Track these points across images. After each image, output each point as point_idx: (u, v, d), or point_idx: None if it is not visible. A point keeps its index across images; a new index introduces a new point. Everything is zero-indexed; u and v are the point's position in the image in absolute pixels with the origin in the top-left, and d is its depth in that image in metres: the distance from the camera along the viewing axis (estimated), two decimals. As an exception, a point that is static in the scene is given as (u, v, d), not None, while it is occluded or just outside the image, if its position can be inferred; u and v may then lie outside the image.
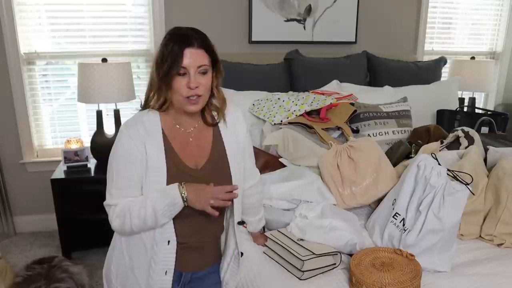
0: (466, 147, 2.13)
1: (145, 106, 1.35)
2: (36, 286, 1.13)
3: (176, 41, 1.24)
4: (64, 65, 2.95)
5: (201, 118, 1.39)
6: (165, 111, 1.33)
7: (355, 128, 2.51)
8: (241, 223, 1.47)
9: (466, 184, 1.66)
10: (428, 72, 3.28)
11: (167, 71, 1.23)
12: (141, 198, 1.29)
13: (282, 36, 3.13)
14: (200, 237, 1.41)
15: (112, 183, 1.31)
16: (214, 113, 1.41)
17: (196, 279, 1.44)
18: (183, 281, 1.41)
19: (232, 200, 1.35)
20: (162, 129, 1.32)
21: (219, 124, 1.42)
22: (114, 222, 1.30)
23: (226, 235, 1.49)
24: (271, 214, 1.80)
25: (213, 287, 1.48)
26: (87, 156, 2.72)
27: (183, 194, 1.24)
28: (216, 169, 1.37)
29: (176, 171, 1.30)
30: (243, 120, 1.48)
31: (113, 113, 2.76)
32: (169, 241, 1.31)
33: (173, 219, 1.30)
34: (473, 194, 1.77)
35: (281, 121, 2.43)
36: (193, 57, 1.24)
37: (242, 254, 1.46)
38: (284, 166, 2.19)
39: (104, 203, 1.34)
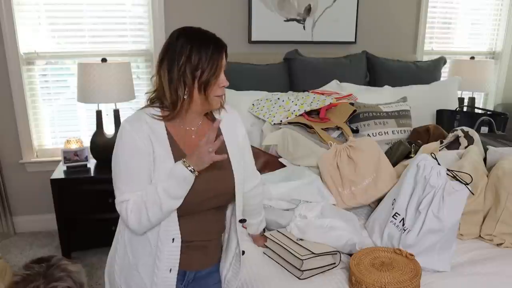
0: (465, 147, 2.13)
1: (151, 103, 1.35)
2: (34, 285, 1.13)
3: (211, 46, 1.26)
4: (63, 65, 2.95)
5: (208, 114, 1.42)
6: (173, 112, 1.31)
7: (354, 128, 2.51)
8: (243, 221, 1.47)
9: (466, 184, 1.66)
10: (427, 72, 3.28)
11: (207, 80, 1.26)
12: (151, 187, 1.25)
13: (281, 36, 3.14)
14: (204, 235, 1.42)
15: (120, 179, 1.28)
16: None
17: (199, 278, 1.45)
18: (186, 279, 1.42)
19: (234, 199, 1.41)
20: (166, 127, 1.33)
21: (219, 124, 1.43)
22: (130, 218, 1.25)
23: (228, 234, 1.51)
24: (270, 215, 1.80)
25: (215, 286, 1.49)
26: (86, 156, 2.72)
27: (189, 168, 1.23)
28: (219, 164, 1.38)
29: None
30: (241, 121, 1.51)
31: (112, 113, 2.77)
32: (173, 239, 1.31)
33: (178, 217, 1.30)
34: (473, 194, 1.77)
35: (281, 121, 2.43)
36: (224, 59, 1.31)
37: (243, 252, 1.47)
38: (284, 166, 2.19)
39: (116, 201, 1.30)
